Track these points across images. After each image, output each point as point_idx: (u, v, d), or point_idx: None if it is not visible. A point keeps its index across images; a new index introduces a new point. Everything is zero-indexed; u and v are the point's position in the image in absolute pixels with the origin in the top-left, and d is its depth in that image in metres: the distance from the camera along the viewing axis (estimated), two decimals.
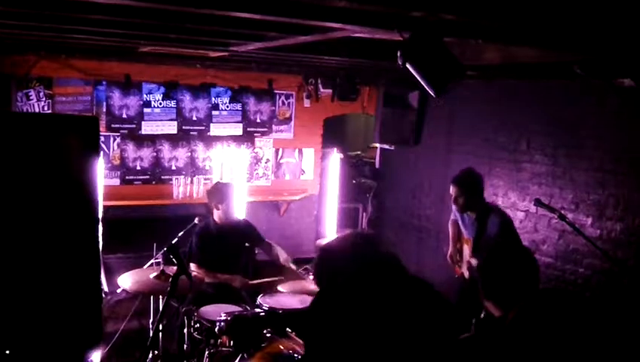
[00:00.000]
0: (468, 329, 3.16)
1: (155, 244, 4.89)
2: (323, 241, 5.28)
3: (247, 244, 5.42)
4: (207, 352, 4.33)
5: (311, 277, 4.82)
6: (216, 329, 4.30)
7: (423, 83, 3.06)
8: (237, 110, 7.04)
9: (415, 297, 2.34)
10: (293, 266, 5.20)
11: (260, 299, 4.78)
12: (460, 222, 5.22)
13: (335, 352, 2.12)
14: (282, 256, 5.25)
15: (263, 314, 4.47)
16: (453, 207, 5.38)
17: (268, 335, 4.25)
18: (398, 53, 2.98)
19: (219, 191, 5.28)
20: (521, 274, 2.77)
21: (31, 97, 5.95)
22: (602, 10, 2.84)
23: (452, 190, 4.97)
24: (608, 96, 5.11)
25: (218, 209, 5.20)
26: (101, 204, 5.64)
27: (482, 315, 2.95)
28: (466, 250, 5.07)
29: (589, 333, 2.57)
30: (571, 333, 2.49)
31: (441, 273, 5.82)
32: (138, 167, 6.58)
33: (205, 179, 6.83)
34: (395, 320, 2.20)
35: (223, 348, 4.30)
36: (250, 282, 5.07)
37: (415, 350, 2.21)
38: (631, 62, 4.09)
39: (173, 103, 6.66)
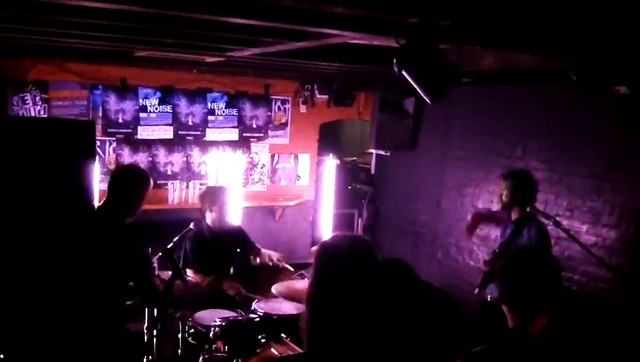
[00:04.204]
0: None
1: (150, 249, 4.88)
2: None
3: (238, 250, 5.44)
4: (201, 357, 4.33)
5: (306, 279, 4.81)
6: (210, 335, 4.30)
7: (418, 89, 3.06)
8: (233, 115, 7.03)
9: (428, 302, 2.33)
10: (287, 266, 5.27)
11: (254, 304, 4.77)
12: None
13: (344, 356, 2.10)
14: (274, 256, 5.36)
15: (258, 319, 4.47)
16: None
17: (263, 340, 4.25)
18: (394, 60, 2.97)
19: (210, 194, 5.31)
20: (544, 283, 2.60)
21: (27, 101, 5.93)
22: (599, 17, 2.86)
23: (500, 184, 4.92)
24: (604, 103, 5.13)
25: (211, 211, 5.21)
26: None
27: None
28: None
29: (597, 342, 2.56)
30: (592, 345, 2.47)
31: (436, 279, 5.83)
32: None
33: (201, 184, 6.81)
34: (410, 325, 2.19)
35: (218, 354, 4.29)
36: (244, 292, 5.07)
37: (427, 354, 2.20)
38: (627, 69, 4.11)
39: (169, 108, 6.65)
